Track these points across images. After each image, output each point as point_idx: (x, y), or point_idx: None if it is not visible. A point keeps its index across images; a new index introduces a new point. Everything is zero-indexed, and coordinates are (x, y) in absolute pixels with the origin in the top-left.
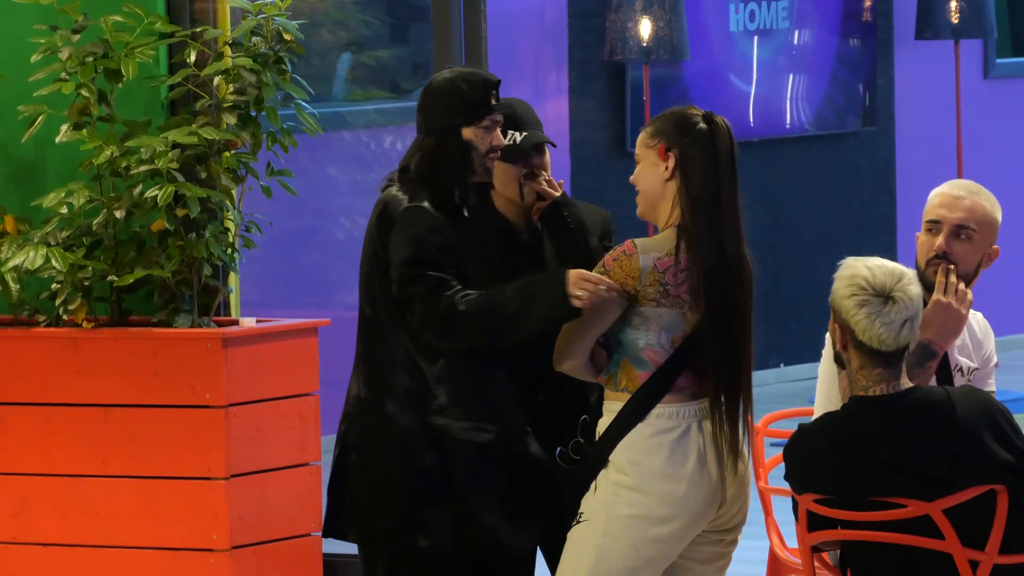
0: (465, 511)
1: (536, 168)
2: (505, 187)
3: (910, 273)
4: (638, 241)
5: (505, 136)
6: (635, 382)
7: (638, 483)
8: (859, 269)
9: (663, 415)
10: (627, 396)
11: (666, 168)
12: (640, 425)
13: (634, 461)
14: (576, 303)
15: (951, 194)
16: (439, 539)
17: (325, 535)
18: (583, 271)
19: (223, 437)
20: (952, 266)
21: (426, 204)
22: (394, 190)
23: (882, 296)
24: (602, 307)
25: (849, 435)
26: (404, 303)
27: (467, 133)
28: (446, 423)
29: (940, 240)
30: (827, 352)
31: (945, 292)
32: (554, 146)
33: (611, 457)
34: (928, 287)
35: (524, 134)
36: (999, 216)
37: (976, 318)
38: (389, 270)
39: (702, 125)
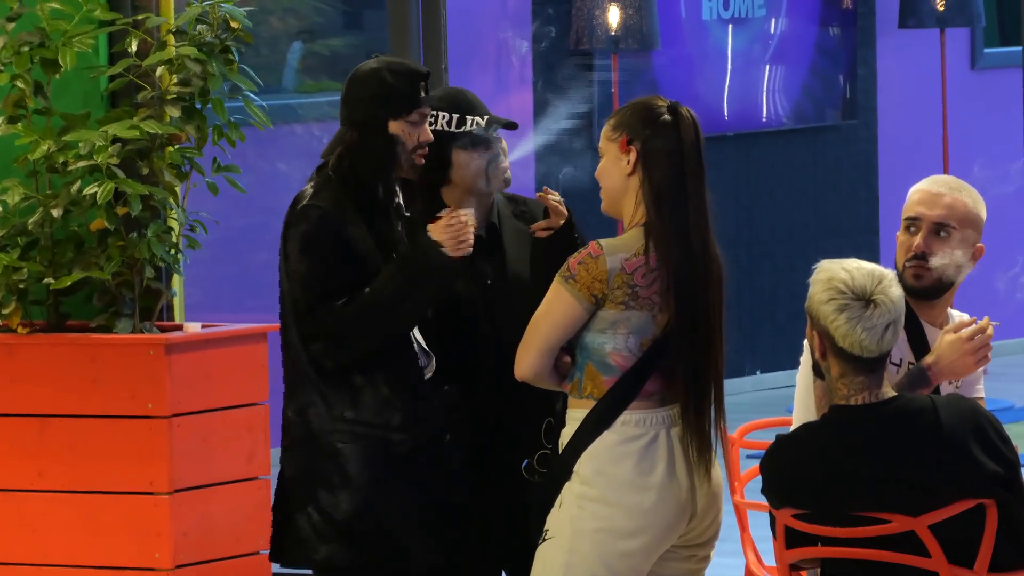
0: (376, 525)
1: (497, 153)
2: (466, 177)
3: (890, 274)
4: (604, 242)
5: (464, 124)
6: (600, 388)
7: (604, 494)
8: (836, 272)
9: (630, 422)
10: (592, 403)
11: (628, 162)
12: (606, 433)
13: (599, 471)
14: (455, 253)
15: (930, 191)
16: (358, 555)
17: (271, 560)
18: (443, 222)
19: (166, 449)
20: (997, 323)
21: (324, 204)
22: (307, 187)
23: (862, 300)
24: (565, 313)
25: (829, 446)
26: (298, 320)
27: (393, 127)
28: (357, 433)
29: (919, 239)
30: (805, 359)
31: (973, 337)
32: (516, 127)
33: (575, 468)
34: (907, 290)
35: (486, 118)
36: (983, 213)
37: (963, 321)
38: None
39: (666, 116)
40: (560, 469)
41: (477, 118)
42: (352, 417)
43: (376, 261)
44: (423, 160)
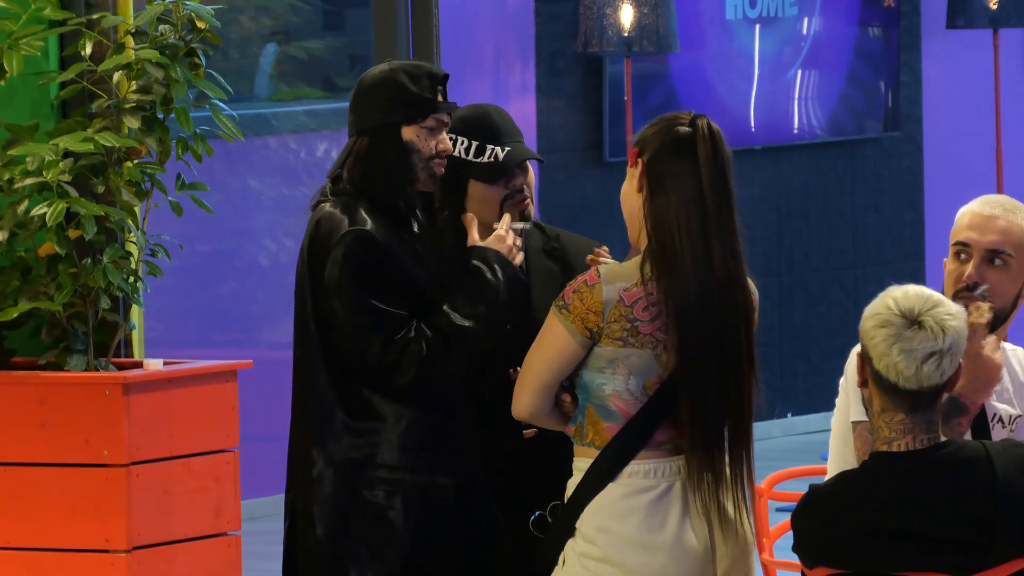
0: None
1: (520, 188)
2: (482, 211)
3: (955, 308)
4: (603, 269)
5: (483, 153)
6: (603, 436)
7: (607, 554)
8: (894, 291)
9: (638, 473)
10: (595, 452)
11: (636, 177)
12: (611, 485)
13: (602, 528)
14: (516, 258)
15: (981, 213)
16: None
17: None
18: (495, 237)
19: (124, 501)
20: (984, 304)
21: (370, 227)
22: (328, 207)
23: (907, 319)
24: (557, 347)
25: (868, 498)
26: (362, 353)
27: (407, 133)
28: (392, 481)
29: (970, 268)
30: (842, 400)
31: (974, 335)
32: (541, 161)
33: (577, 524)
34: None
35: (507, 148)
36: None
37: (1017, 355)
38: (323, 305)
39: (680, 128)
40: (562, 525)
41: (497, 148)
42: (394, 463)
43: (421, 281)
44: (442, 170)
